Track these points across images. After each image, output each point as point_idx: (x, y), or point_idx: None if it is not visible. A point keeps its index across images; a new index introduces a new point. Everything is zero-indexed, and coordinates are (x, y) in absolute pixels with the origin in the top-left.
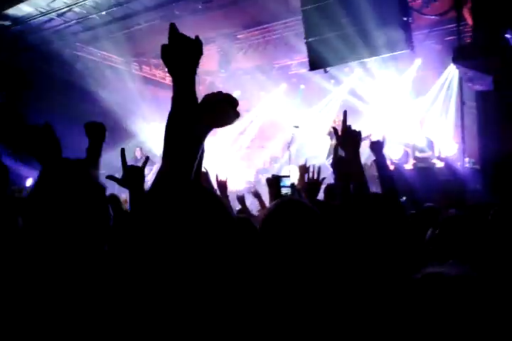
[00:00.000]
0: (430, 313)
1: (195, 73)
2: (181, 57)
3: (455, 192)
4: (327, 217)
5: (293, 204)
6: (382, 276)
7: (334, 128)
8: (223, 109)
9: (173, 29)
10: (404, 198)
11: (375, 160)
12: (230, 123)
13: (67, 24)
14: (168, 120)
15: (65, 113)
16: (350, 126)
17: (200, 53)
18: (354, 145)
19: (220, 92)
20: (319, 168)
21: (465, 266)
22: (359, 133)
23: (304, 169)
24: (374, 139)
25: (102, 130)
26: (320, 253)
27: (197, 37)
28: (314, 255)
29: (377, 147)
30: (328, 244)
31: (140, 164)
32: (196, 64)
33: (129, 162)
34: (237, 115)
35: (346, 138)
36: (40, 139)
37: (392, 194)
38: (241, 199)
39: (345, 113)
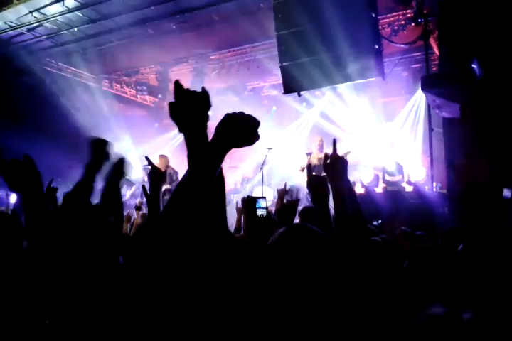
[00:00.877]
0: None
1: (206, 128)
2: (189, 114)
3: (423, 215)
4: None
5: (302, 230)
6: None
7: (325, 154)
8: (245, 130)
9: (178, 86)
10: (379, 221)
11: None
12: (250, 144)
13: (37, 39)
14: (188, 178)
15: (34, 128)
16: (339, 155)
17: (209, 106)
18: (340, 174)
19: (242, 113)
20: (297, 190)
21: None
22: (346, 162)
23: (283, 192)
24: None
25: (106, 147)
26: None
27: (203, 89)
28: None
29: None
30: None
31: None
32: (206, 118)
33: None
34: (257, 137)
35: (333, 166)
36: (21, 172)
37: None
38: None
39: (334, 140)
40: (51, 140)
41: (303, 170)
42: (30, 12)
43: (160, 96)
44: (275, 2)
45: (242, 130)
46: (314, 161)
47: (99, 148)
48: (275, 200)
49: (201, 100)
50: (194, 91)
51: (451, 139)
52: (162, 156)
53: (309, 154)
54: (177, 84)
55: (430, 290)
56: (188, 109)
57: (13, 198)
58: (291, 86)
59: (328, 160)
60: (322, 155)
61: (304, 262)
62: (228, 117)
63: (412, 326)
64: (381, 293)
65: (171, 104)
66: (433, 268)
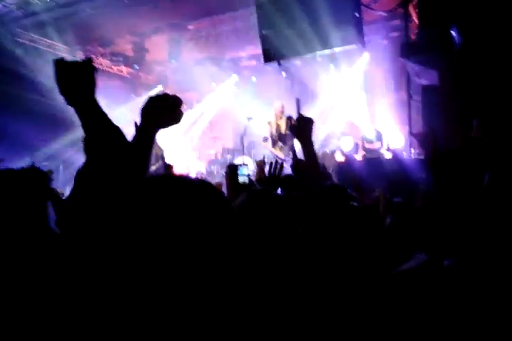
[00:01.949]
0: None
1: (93, 94)
2: (73, 85)
3: (402, 182)
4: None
5: (264, 195)
6: (348, 266)
7: (289, 118)
8: (169, 111)
9: (57, 62)
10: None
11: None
12: (176, 123)
13: (7, 9)
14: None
15: (5, 101)
16: (302, 115)
17: (92, 71)
18: (307, 133)
19: (164, 93)
20: (282, 164)
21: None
22: (311, 120)
23: (262, 164)
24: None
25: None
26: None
27: (87, 58)
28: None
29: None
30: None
31: None
32: (92, 84)
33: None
34: (182, 115)
35: (300, 127)
36: None
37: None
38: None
39: (297, 100)
40: (24, 114)
41: (266, 140)
42: None
43: (136, 66)
44: None
45: (165, 110)
46: (274, 130)
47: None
48: (255, 171)
49: (82, 68)
50: (73, 62)
51: (428, 106)
52: None
53: (269, 122)
54: (56, 61)
55: (412, 244)
56: (70, 80)
57: None
58: (271, 55)
59: (294, 123)
60: (281, 121)
61: (263, 224)
62: (150, 100)
63: (394, 275)
64: (361, 250)
65: (56, 81)
66: (415, 222)
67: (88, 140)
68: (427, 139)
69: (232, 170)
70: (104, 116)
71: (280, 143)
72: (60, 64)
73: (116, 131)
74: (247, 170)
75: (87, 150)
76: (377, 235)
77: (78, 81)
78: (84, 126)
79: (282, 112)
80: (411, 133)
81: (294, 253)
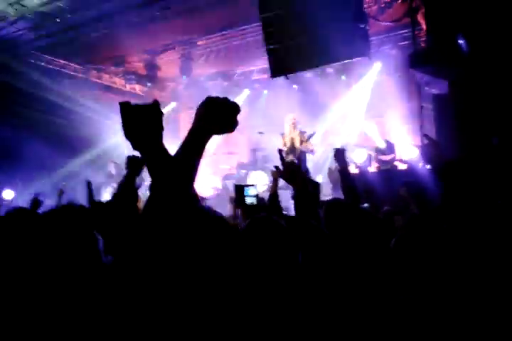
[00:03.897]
0: None
1: (160, 139)
2: (140, 130)
3: (416, 194)
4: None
5: (264, 222)
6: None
7: (277, 168)
8: (226, 116)
9: (123, 107)
10: (366, 205)
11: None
12: (230, 131)
13: (20, 32)
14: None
15: (23, 123)
16: (290, 162)
17: (159, 115)
18: (297, 177)
19: (224, 98)
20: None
21: None
22: (298, 166)
23: (277, 174)
24: (337, 147)
25: (140, 164)
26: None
27: (155, 101)
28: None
29: (339, 155)
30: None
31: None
32: (159, 129)
33: (103, 178)
34: (237, 123)
35: (289, 174)
36: None
37: (355, 201)
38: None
39: (279, 151)
40: (41, 135)
41: (280, 152)
42: (10, 4)
43: (149, 84)
44: None
45: (222, 116)
46: (287, 142)
47: (135, 165)
48: (270, 185)
49: (148, 111)
50: (139, 105)
51: (440, 115)
52: None
53: (283, 134)
54: (121, 104)
55: (418, 267)
56: (136, 125)
57: (6, 194)
58: (278, 69)
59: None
60: (294, 134)
61: (262, 251)
62: (209, 102)
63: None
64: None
65: (122, 125)
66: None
67: (154, 184)
68: (429, 151)
69: (239, 191)
70: (172, 162)
71: (290, 157)
72: (125, 107)
73: (183, 179)
74: (255, 191)
75: (153, 190)
76: (379, 258)
77: (144, 125)
78: (150, 170)
79: (294, 124)
80: (414, 145)
81: (293, 280)
